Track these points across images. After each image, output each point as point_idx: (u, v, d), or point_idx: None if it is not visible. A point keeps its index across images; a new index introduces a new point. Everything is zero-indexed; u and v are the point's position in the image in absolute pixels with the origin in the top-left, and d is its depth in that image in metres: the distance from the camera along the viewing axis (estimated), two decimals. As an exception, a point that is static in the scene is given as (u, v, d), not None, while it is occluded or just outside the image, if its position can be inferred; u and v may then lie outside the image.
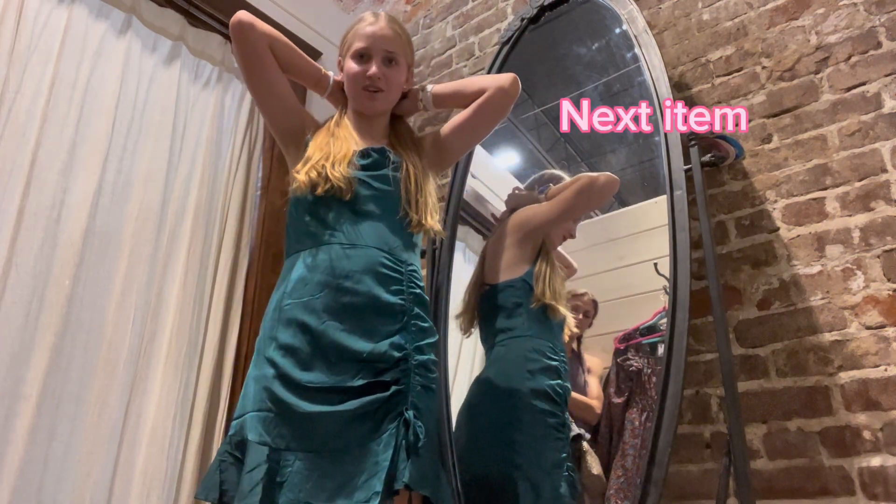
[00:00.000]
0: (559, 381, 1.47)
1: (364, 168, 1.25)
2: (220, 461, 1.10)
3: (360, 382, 1.07)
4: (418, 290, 1.20)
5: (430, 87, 1.38)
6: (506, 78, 1.32)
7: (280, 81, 1.30)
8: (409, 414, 1.06)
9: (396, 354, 1.11)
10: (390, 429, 1.04)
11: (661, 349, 1.41)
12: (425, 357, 1.14)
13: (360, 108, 1.35)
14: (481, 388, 1.55)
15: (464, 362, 1.92)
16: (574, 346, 1.68)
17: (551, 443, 1.42)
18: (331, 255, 1.17)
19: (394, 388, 1.08)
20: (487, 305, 1.61)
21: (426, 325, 1.18)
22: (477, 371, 1.96)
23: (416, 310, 1.18)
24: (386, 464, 1.00)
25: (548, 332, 1.52)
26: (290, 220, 1.27)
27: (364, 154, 1.26)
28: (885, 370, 1.29)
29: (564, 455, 1.43)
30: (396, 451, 1.02)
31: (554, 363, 1.49)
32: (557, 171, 1.83)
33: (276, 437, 1.06)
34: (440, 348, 1.68)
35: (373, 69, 1.29)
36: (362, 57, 1.31)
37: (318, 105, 2.40)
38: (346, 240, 1.18)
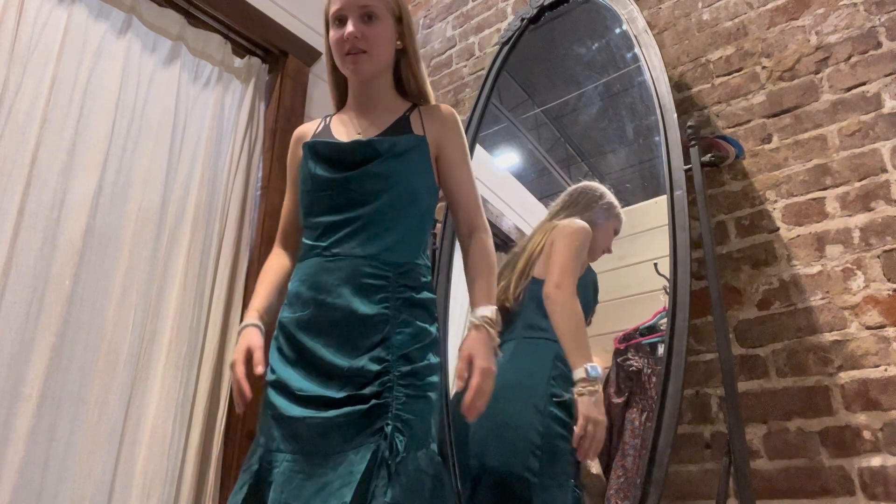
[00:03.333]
0: None
1: (358, 165, 1.20)
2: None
3: (342, 394, 1.07)
4: (408, 294, 1.15)
5: (489, 313, 1.15)
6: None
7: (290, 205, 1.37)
8: (389, 429, 1.04)
9: (375, 368, 1.08)
10: (368, 443, 1.03)
11: (661, 349, 1.41)
12: (411, 366, 1.10)
13: (349, 76, 1.30)
14: (503, 379, 1.51)
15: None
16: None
17: (566, 456, 1.38)
18: (315, 268, 1.17)
19: (373, 401, 1.06)
20: (529, 296, 1.55)
21: (415, 330, 1.13)
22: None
23: (403, 315, 1.13)
24: (358, 475, 0.99)
25: None
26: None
27: (363, 147, 1.21)
28: (885, 370, 1.29)
29: (575, 470, 1.41)
30: (377, 465, 1.01)
31: None
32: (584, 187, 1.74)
33: (269, 439, 1.10)
34: (441, 350, 1.66)
35: (348, 29, 1.20)
36: (339, 21, 1.23)
37: (319, 104, 2.41)
38: (329, 251, 1.17)
